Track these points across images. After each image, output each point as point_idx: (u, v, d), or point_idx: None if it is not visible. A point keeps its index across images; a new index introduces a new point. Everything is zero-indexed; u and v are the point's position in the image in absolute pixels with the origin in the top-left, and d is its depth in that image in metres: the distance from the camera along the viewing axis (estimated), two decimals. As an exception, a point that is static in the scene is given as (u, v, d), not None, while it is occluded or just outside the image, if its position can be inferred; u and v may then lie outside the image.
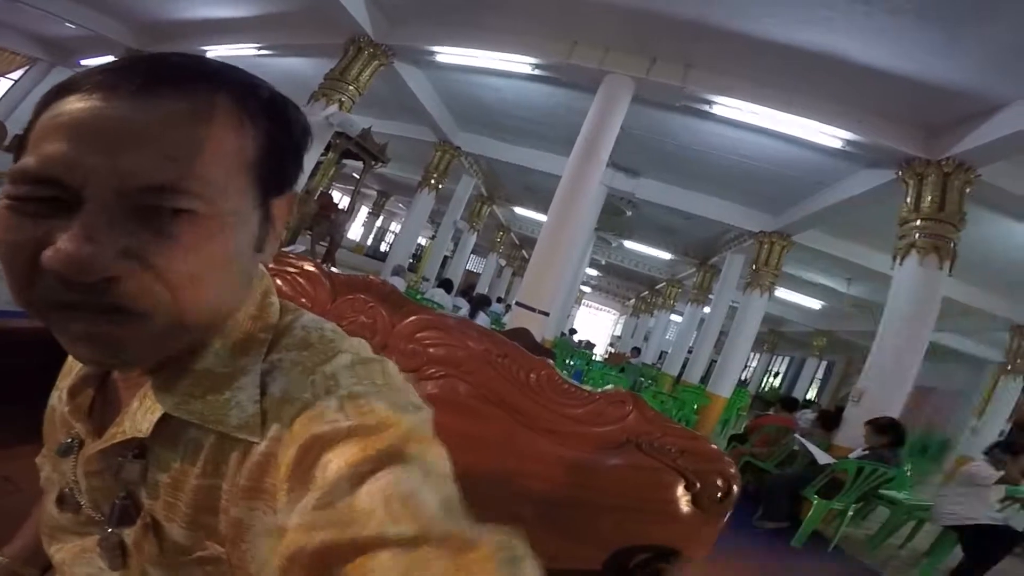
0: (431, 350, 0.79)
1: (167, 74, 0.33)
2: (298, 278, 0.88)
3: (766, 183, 6.59)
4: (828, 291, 10.59)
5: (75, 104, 0.32)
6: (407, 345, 0.79)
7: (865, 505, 4.01)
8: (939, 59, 3.79)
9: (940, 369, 10.67)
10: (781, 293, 10.37)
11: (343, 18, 5.63)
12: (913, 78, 4.04)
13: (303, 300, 0.86)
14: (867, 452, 3.77)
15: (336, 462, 0.32)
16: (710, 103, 5.02)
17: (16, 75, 11.57)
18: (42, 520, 0.48)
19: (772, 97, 4.77)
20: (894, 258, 4.60)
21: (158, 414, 0.38)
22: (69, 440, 0.44)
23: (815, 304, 12.21)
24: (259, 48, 7.36)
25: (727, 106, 4.99)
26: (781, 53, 4.27)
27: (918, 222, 4.41)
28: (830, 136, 4.85)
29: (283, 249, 0.99)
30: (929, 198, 4.39)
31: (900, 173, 4.71)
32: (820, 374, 17.58)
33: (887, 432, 3.77)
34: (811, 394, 16.86)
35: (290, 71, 7.58)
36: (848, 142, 4.83)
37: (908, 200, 4.58)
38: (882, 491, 3.78)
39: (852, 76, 4.23)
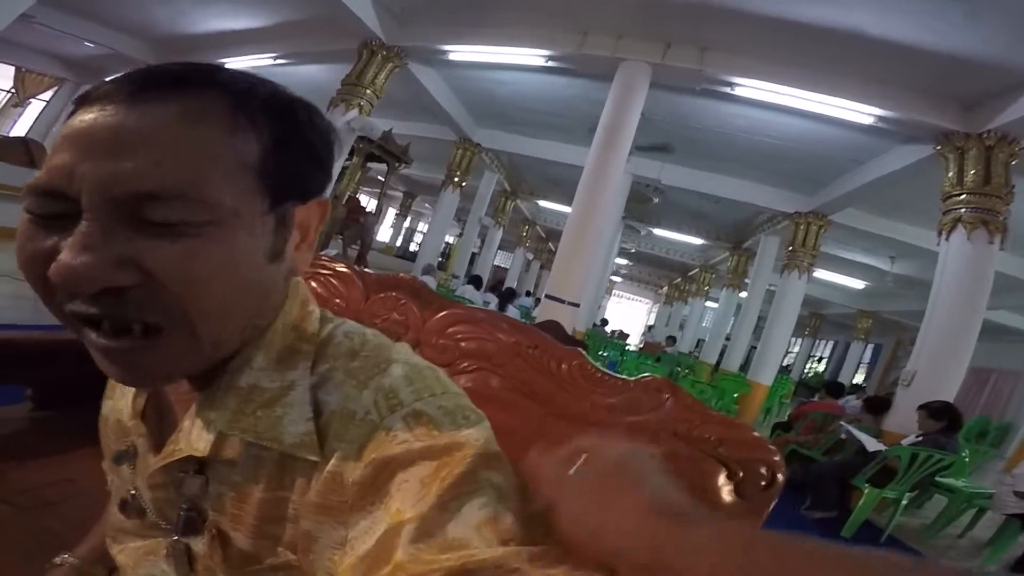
0: (462, 344, 0.79)
1: (159, 80, 0.33)
2: (331, 279, 0.90)
3: (798, 163, 6.41)
4: (871, 270, 10.16)
5: (80, 116, 0.32)
6: (439, 340, 0.79)
7: (920, 494, 3.84)
8: (964, 32, 3.66)
9: (998, 349, 10.09)
10: (821, 274, 10.01)
11: (353, 23, 5.70)
12: (940, 52, 3.91)
13: (337, 300, 0.88)
14: (921, 438, 3.60)
15: (411, 482, 0.34)
16: (731, 85, 4.91)
17: (47, 95, 11.93)
18: (108, 522, 0.50)
19: (795, 76, 4.66)
20: (939, 234, 4.41)
21: (213, 433, 0.39)
22: (124, 449, 0.45)
23: (858, 284, 11.73)
24: (275, 58, 7.50)
25: (749, 87, 4.88)
26: (800, 31, 4.17)
27: (963, 197, 4.24)
28: (860, 113, 4.71)
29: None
30: (972, 172, 4.23)
31: (938, 148, 4.54)
32: (866, 358, 16.86)
33: (942, 416, 3.59)
34: (858, 379, 16.20)
35: (309, 79, 7.72)
36: (880, 118, 4.68)
37: (950, 175, 4.42)
38: (938, 479, 3.61)
39: (876, 52, 4.11)
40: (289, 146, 0.37)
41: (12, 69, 11.25)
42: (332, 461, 0.36)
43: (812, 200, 7.17)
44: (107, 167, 0.30)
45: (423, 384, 0.40)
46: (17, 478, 0.72)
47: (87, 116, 0.32)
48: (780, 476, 0.74)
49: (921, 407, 3.70)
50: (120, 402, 0.47)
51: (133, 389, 0.45)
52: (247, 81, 0.37)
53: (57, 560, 0.55)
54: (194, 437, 0.39)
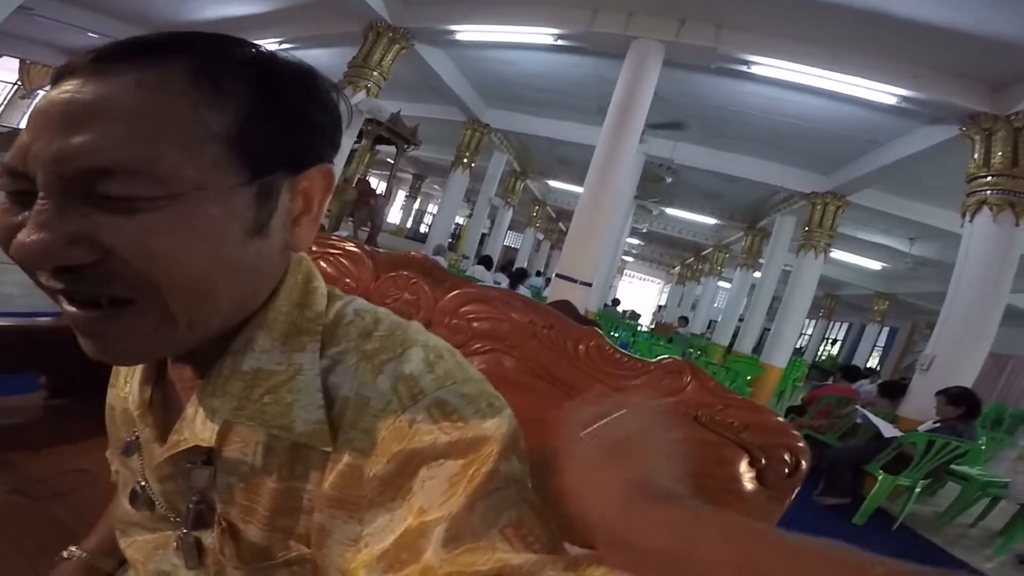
0: (475, 324, 0.77)
1: (118, 51, 0.31)
2: (341, 259, 0.87)
3: (816, 143, 6.27)
4: (889, 251, 9.98)
5: (45, 95, 0.31)
6: (451, 320, 0.77)
7: (934, 481, 3.79)
8: (994, 12, 3.54)
9: (1017, 335, 9.87)
10: (837, 255, 9.84)
11: (358, 4, 5.62)
12: (969, 32, 3.78)
13: (347, 280, 0.85)
14: (939, 424, 3.54)
15: (438, 480, 0.33)
16: (747, 63, 4.79)
17: (52, 88, 12.19)
18: (115, 514, 0.49)
19: (815, 55, 4.53)
20: (963, 215, 4.32)
21: (218, 422, 0.37)
22: (132, 439, 0.44)
23: (875, 265, 11.53)
24: (280, 42, 7.40)
25: (766, 65, 4.76)
26: (820, 9, 4.06)
27: (988, 178, 4.13)
28: (883, 93, 4.59)
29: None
30: (1000, 154, 4.12)
31: (964, 129, 4.41)
32: (881, 341, 16.65)
33: (960, 403, 3.53)
34: (872, 362, 16.03)
35: (315, 63, 7.46)
36: (904, 98, 4.56)
37: (975, 156, 4.30)
38: (953, 466, 3.56)
39: (901, 31, 3.99)
40: (272, 113, 0.34)
41: (17, 62, 11.28)
42: (348, 452, 0.35)
43: (830, 180, 7.03)
44: (56, 144, 0.29)
45: (444, 370, 0.38)
46: (31, 467, 0.71)
47: (50, 94, 0.31)
48: (804, 463, 0.72)
49: (939, 393, 3.64)
50: (126, 390, 0.45)
51: (139, 377, 0.44)
52: (220, 46, 0.33)
53: (65, 553, 0.54)
54: (199, 426, 0.37)
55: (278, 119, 0.34)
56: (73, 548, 0.54)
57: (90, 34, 8.86)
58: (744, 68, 4.86)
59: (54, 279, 0.31)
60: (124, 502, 0.45)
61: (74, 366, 0.92)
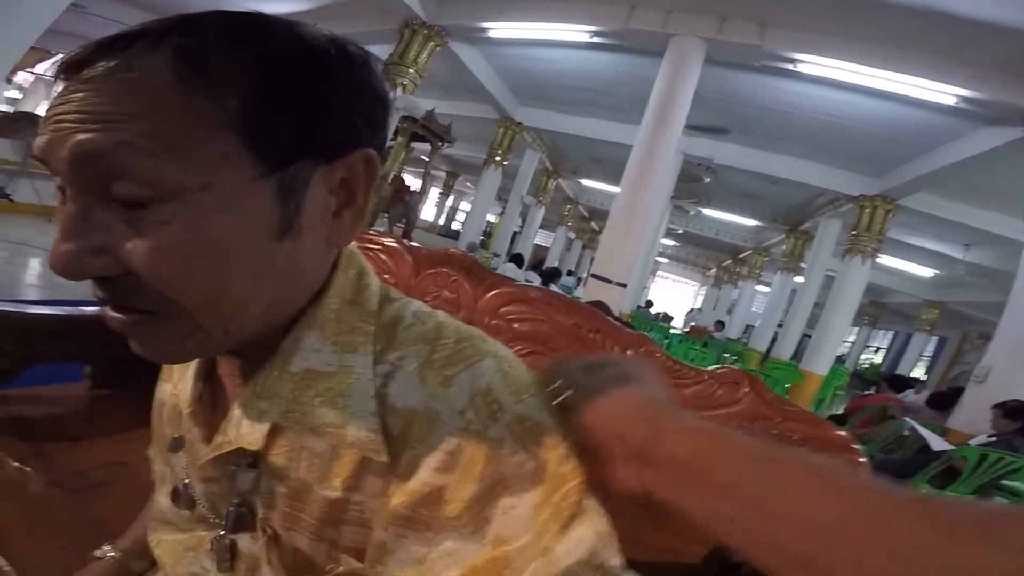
0: (516, 326, 0.74)
1: (117, 40, 0.28)
2: (380, 254, 0.86)
3: (865, 144, 6.00)
4: (941, 258, 9.47)
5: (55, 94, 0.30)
6: (491, 320, 0.74)
7: (982, 496, 3.59)
8: None
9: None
10: (885, 260, 9.40)
11: (393, 2, 5.67)
12: None
13: (387, 276, 0.84)
14: (994, 438, 3.35)
15: (521, 509, 0.31)
16: (793, 61, 4.61)
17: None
18: (150, 511, 0.48)
19: (865, 53, 4.31)
20: (1025, 221, 4.05)
21: (266, 425, 0.35)
22: (178, 436, 0.42)
23: (926, 272, 10.96)
24: None
25: (813, 64, 4.57)
26: (870, 7, 3.88)
27: (1056, 183, 3.84)
28: (940, 93, 4.34)
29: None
30: None
31: (1027, 130, 4.13)
32: (929, 351, 15.84)
33: (1018, 416, 3.35)
34: (917, 372, 15.27)
35: None
36: (963, 98, 4.29)
37: None
38: (1004, 481, 3.35)
39: (959, 29, 3.76)
40: (283, 96, 0.30)
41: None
42: (426, 470, 0.33)
43: (879, 183, 6.72)
44: (66, 148, 0.27)
45: (519, 383, 0.36)
46: (69, 459, 0.71)
47: (58, 89, 0.29)
48: (867, 482, 0.67)
49: (996, 406, 3.46)
50: (179, 386, 0.43)
51: (192, 373, 0.42)
52: (202, 27, 0.29)
53: (97, 553, 0.53)
54: (245, 428, 0.36)
55: (292, 102, 0.30)
56: (107, 547, 0.53)
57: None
58: (790, 67, 4.69)
59: (95, 287, 0.30)
60: (162, 500, 0.44)
61: (119, 357, 0.94)
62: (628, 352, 0.68)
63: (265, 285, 0.32)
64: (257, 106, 0.29)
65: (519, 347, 0.73)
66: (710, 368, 0.66)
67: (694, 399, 0.66)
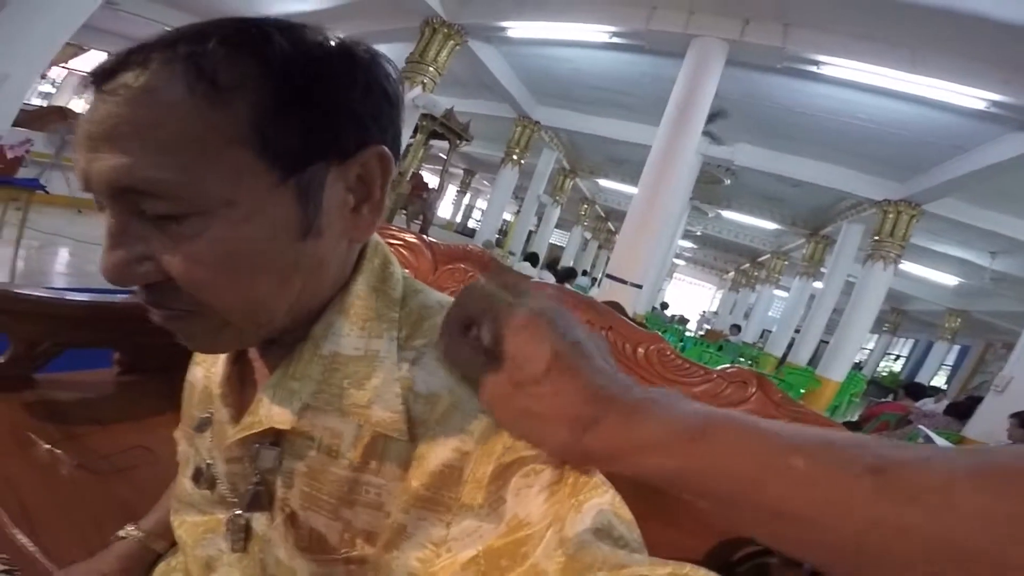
0: (530, 322, 0.75)
1: (136, 52, 0.29)
2: (401, 249, 0.88)
3: (890, 148, 5.86)
4: (966, 265, 9.21)
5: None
6: (506, 316, 0.76)
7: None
8: None
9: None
10: (907, 267, 9.20)
11: (413, 1, 5.70)
12: None
13: (406, 271, 0.86)
14: (1010, 448, 3.28)
15: (536, 488, 0.31)
16: (817, 63, 4.54)
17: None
18: (173, 492, 0.50)
19: (891, 56, 4.22)
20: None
21: (298, 405, 0.36)
22: (205, 416, 0.44)
23: (949, 280, 10.68)
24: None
25: (837, 66, 4.49)
26: (895, 9, 3.79)
27: (1089, 190, 3.71)
28: (970, 97, 4.22)
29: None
30: None
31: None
32: (949, 360, 15.43)
33: (1033, 426, 3.27)
34: (938, 381, 14.90)
35: None
36: (993, 103, 4.17)
37: None
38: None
39: (989, 32, 3.66)
40: (289, 102, 0.31)
41: (104, 55, 12.18)
42: (445, 450, 0.34)
43: (904, 188, 6.57)
44: (96, 165, 0.29)
45: None
46: (96, 443, 0.75)
47: (87, 106, 0.31)
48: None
49: (1013, 415, 3.41)
50: (213, 368, 0.45)
51: (225, 356, 0.44)
52: (206, 39, 0.30)
53: (121, 532, 0.55)
54: (276, 410, 0.37)
55: (299, 107, 0.31)
56: (130, 527, 0.55)
57: (165, 28, 9.55)
58: (813, 68, 4.62)
59: (139, 290, 0.33)
60: (185, 481, 0.46)
61: (147, 344, 0.97)
62: (640, 350, 0.69)
63: (291, 283, 0.34)
64: (266, 114, 0.30)
65: (532, 343, 0.75)
66: (719, 367, 0.66)
67: (703, 397, 0.67)
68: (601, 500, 0.31)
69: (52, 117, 5.21)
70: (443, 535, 0.33)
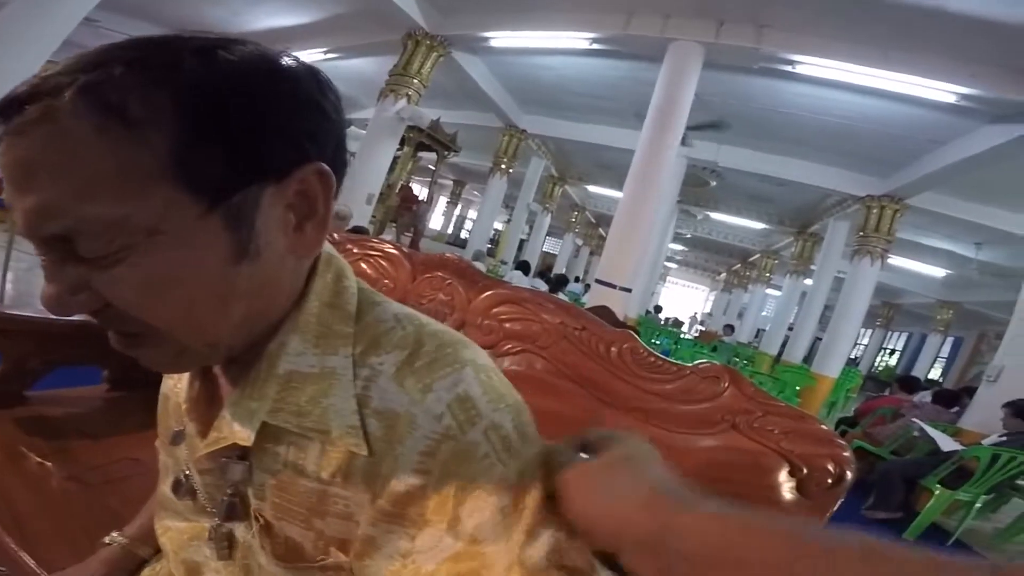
0: (507, 325, 0.78)
1: (42, 83, 0.27)
2: (380, 260, 0.90)
3: (869, 144, 5.96)
4: (953, 257, 9.34)
5: None
6: (483, 321, 0.78)
7: (997, 497, 3.55)
8: None
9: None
10: (896, 261, 9.29)
11: (396, 14, 5.72)
12: None
13: (386, 281, 0.88)
14: (1005, 438, 3.31)
15: (488, 512, 0.35)
16: (792, 63, 4.62)
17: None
18: (157, 500, 0.51)
19: (863, 53, 4.32)
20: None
21: (256, 423, 0.37)
22: (179, 429, 0.45)
23: (937, 272, 10.82)
24: (325, 52, 7.61)
25: (813, 65, 4.58)
26: (865, 8, 3.88)
27: (1063, 179, 3.79)
28: (940, 91, 4.32)
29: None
30: None
31: (1032, 126, 4.07)
32: (944, 352, 15.58)
33: (1027, 415, 3.29)
34: (934, 374, 15.02)
35: (357, 71, 7.83)
36: (963, 96, 4.27)
37: None
38: (1019, 481, 3.32)
39: (955, 27, 3.75)
40: (209, 129, 0.29)
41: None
42: (408, 471, 0.34)
43: (886, 183, 6.66)
44: (18, 207, 0.28)
45: (497, 392, 0.38)
46: (87, 456, 0.76)
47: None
48: (849, 473, 0.68)
49: (1006, 405, 3.44)
50: (180, 383, 0.46)
51: (189, 371, 0.45)
52: (110, 71, 0.27)
53: (107, 539, 0.56)
54: (237, 426, 0.37)
55: (219, 134, 0.30)
56: (115, 534, 0.57)
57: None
58: (788, 68, 4.69)
59: (90, 316, 0.33)
60: (166, 490, 0.47)
61: (133, 362, 0.99)
62: (612, 349, 0.71)
63: (232, 305, 0.34)
64: (185, 144, 0.28)
65: (510, 345, 0.77)
66: (691, 364, 0.69)
67: (677, 394, 0.69)
68: (552, 527, 0.34)
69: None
70: (408, 547, 0.35)
